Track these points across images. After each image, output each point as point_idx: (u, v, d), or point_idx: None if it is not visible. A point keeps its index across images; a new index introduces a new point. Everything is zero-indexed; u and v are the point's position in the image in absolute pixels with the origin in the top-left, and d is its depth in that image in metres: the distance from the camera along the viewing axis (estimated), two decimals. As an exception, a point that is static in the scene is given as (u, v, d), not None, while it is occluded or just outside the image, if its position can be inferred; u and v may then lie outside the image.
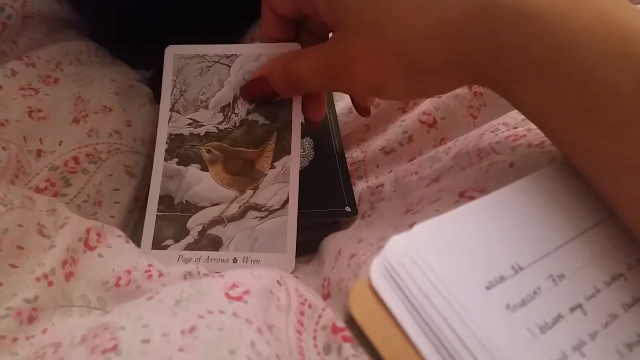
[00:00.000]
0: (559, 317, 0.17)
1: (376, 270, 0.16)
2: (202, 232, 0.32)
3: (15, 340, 0.22)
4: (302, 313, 0.21)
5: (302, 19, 0.33)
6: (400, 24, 0.23)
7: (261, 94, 0.32)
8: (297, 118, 0.34)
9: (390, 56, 0.24)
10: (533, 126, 0.29)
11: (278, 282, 0.23)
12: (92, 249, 0.27)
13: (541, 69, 0.20)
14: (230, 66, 0.34)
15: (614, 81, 0.18)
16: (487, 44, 0.21)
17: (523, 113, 0.23)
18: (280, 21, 0.32)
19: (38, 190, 0.32)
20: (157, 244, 0.31)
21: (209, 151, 0.33)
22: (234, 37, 0.48)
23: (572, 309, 0.17)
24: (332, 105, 0.42)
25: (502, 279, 0.17)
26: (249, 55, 0.34)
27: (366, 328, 0.15)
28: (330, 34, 0.33)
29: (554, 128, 0.21)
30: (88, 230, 0.28)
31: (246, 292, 0.21)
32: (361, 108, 0.36)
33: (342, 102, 0.43)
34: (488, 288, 0.17)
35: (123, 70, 0.42)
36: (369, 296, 0.16)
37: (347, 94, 0.34)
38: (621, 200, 0.19)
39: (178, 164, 0.33)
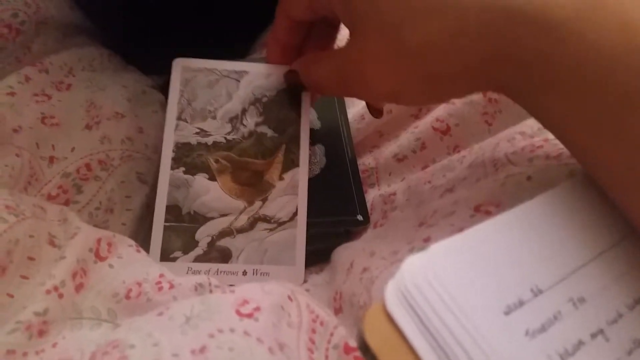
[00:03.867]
0: (580, 343, 0.16)
1: (391, 294, 0.16)
2: (211, 244, 0.32)
3: (25, 354, 0.22)
4: (313, 331, 0.21)
5: (314, 22, 0.32)
6: (418, 29, 0.22)
7: (295, 83, 0.33)
8: (306, 131, 0.34)
9: (406, 61, 0.23)
10: (550, 136, 0.28)
11: (289, 297, 0.22)
12: (102, 259, 0.27)
13: (563, 80, 0.19)
14: (239, 80, 0.35)
15: (638, 92, 0.17)
16: (506, 52, 0.20)
17: (542, 123, 0.22)
18: (293, 26, 0.32)
19: (50, 197, 0.32)
20: (166, 256, 0.31)
21: (217, 161, 0.33)
22: (245, 43, 0.48)
23: (594, 335, 0.17)
24: (343, 112, 0.42)
25: (521, 303, 0.16)
26: (258, 73, 0.35)
27: (380, 354, 0.15)
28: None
29: (574, 141, 0.21)
30: (99, 240, 0.28)
31: (257, 308, 0.20)
32: (373, 109, 0.36)
33: (354, 109, 0.43)
34: (507, 313, 0.16)
35: (135, 76, 0.42)
36: (384, 321, 0.15)
37: (362, 100, 0.34)
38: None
39: (185, 172, 0.33)
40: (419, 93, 0.25)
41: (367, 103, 0.36)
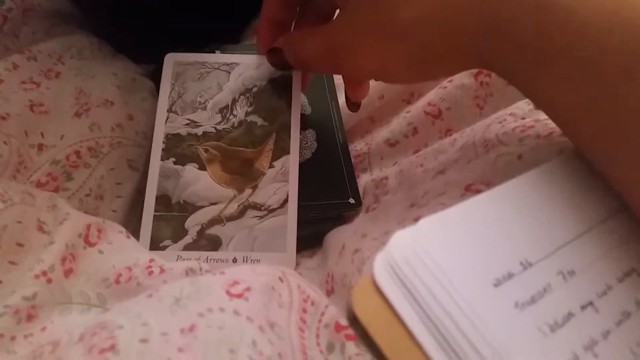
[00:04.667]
0: (570, 315, 0.16)
1: (379, 267, 0.16)
2: (200, 232, 0.32)
3: (13, 338, 0.21)
4: (304, 310, 0.21)
5: (304, 2, 0.32)
6: (412, 4, 0.22)
7: (279, 63, 0.33)
8: (296, 118, 0.34)
9: (399, 37, 0.24)
10: (541, 116, 0.28)
11: (280, 278, 0.22)
12: (92, 245, 0.27)
13: (556, 57, 0.19)
14: (229, 72, 0.35)
15: (633, 69, 0.17)
16: (499, 29, 0.20)
17: (533, 102, 0.22)
18: (284, 3, 0.32)
19: (40, 184, 0.31)
20: (155, 245, 0.31)
21: (206, 150, 0.33)
22: (237, 29, 0.47)
23: (583, 307, 0.17)
24: (334, 97, 0.41)
25: (510, 275, 0.16)
26: (249, 64, 0.35)
27: (369, 327, 0.15)
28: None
29: (567, 118, 0.21)
30: (88, 226, 0.27)
31: (247, 289, 0.20)
32: (351, 102, 0.36)
33: (346, 94, 0.42)
34: (496, 285, 0.16)
35: (125, 64, 0.41)
36: (372, 293, 0.15)
37: (350, 77, 0.34)
38: (637, 193, 0.19)
39: (175, 163, 0.33)
40: (408, 70, 0.25)
41: (346, 96, 0.36)
